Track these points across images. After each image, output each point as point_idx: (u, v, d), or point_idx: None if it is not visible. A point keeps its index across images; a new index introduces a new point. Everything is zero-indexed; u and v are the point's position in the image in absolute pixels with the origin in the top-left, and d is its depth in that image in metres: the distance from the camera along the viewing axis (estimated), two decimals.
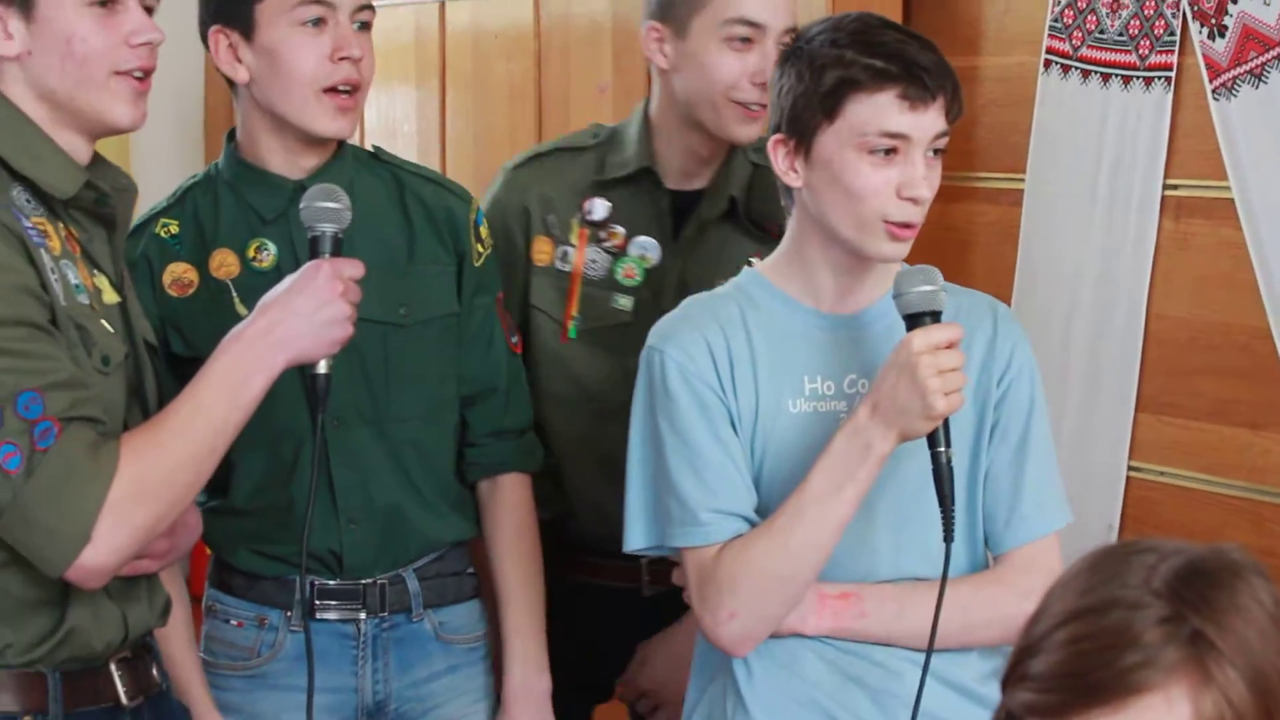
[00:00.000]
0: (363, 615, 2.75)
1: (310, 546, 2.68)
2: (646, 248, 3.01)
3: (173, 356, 2.63)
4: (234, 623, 2.77)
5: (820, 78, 2.35)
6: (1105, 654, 1.42)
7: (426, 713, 2.81)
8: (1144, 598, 1.44)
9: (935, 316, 2.29)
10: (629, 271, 3.02)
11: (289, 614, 2.73)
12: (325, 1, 2.64)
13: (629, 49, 4.49)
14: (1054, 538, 2.44)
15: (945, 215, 4.15)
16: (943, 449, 2.27)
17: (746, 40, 2.92)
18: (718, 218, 3.03)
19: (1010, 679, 1.49)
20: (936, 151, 2.40)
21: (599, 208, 3.01)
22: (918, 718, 2.28)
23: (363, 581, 2.75)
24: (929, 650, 2.27)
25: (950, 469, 2.28)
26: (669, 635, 3.02)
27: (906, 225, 2.36)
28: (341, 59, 2.65)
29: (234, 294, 2.63)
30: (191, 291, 2.71)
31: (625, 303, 3.02)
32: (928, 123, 2.34)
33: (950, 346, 2.26)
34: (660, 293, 3.00)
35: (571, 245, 2.96)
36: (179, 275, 2.72)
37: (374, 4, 2.73)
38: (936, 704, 2.35)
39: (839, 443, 2.29)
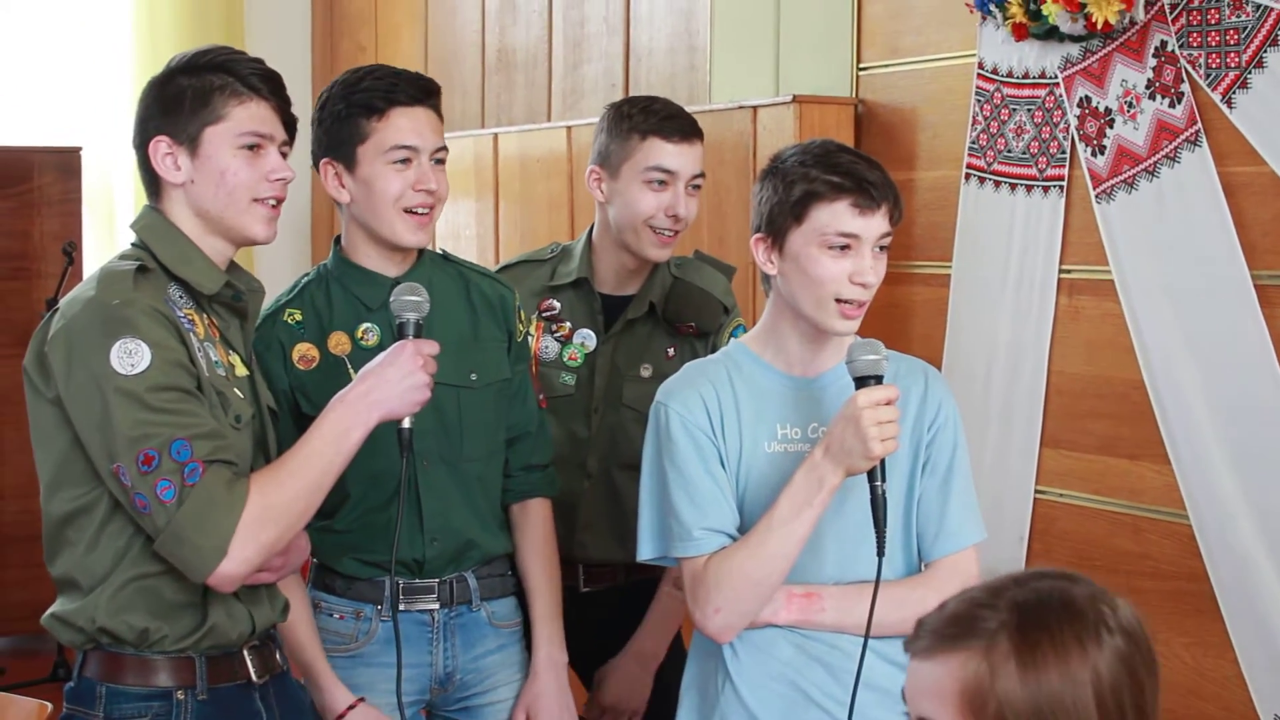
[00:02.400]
0: (436, 606, 2.77)
1: (400, 556, 2.72)
2: (585, 337, 3.08)
3: (300, 415, 2.65)
4: (336, 615, 2.78)
5: (791, 190, 2.37)
6: (952, 621, 1.47)
7: (481, 681, 2.82)
8: (998, 602, 1.46)
9: (878, 379, 2.30)
10: (572, 355, 3.09)
11: (380, 607, 2.75)
12: (411, 146, 2.68)
13: None
14: (972, 550, 2.44)
15: (889, 295, 4.17)
16: (879, 483, 2.29)
17: (663, 183, 2.98)
18: (641, 317, 3.08)
19: (914, 629, 1.53)
20: (882, 248, 2.41)
21: (551, 307, 3.08)
22: (860, 687, 2.30)
23: (436, 580, 2.77)
24: (866, 636, 2.30)
25: (884, 499, 2.29)
26: (620, 661, 3.07)
27: (858, 304, 2.38)
28: (421, 190, 2.69)
29: (349, 366, 2.66)
30: (315, 365, 2.73)
31: (569, 379, 3.08)
32: (875, 225, 2.37)
33: (888, 404, 2.28)
34: (595, 372, 3.08)
35: (531, 334, 3.00)
36: (304, 353, 2.74)
37: (447, 146, 2.78)
38: (880, 677, 2.36)
39: (799, 476, 2.31)
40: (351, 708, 2.68)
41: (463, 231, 5.46)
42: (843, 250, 2.35)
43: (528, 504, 2.89)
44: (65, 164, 5.76)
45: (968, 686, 1.41)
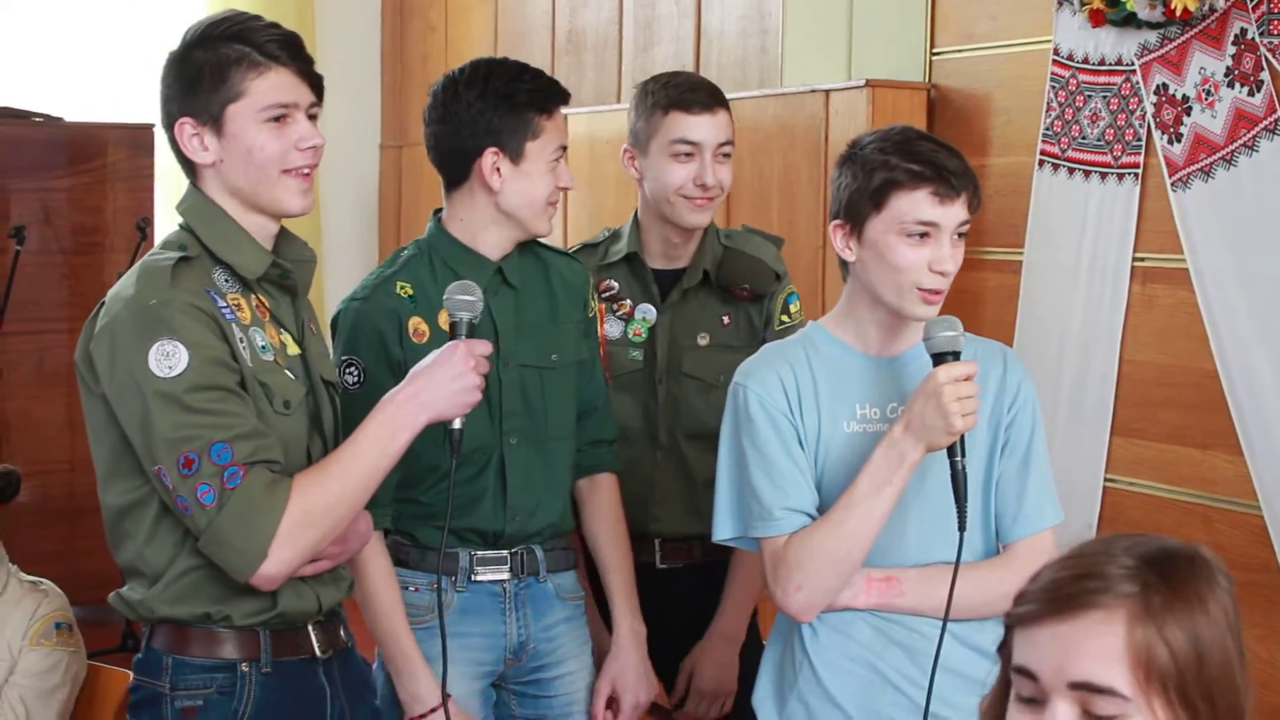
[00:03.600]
0: (508, 577, 2.80)
1: (478, 525, 2.76)
2: (646, 312, 3.11)
3: None
4: (411, 588, 2.78)
5: (870, 178, 2.37)
6: (1075, 579, 1.43)
7: (552, 652, 2.83)
8: (1119, 555, 1.44)
9: (956, 355, 2.30)
10: (636, 331, 3.12)
11: (454, 578, 2.76)
12: (563, 146, 2.78)
13: None
14: (1050, 532, 2.43)
15: (960, 281, 4.08)
16: (959, 458, 2.29)
17: (689, 154, 3.02)
18: (695, 285, 3.11)
19: (1015, 602, 1.49)
20: (960, 235, 2.40)
21: (610, 287, 3.12)
22: (938, 671, 2.29)
23: (507, 551, 2.80)
24: (945, 617, 2.29)
25: (965, 474, 2.29)
26: (708, 645, 3.07)
27: (936, 291, 2.38)
28: (560, 188, 2.77)
29: None
30: (426, 340, 2.73)
31: (637, 355, 3.10)
32: (954, 214, 2.36)
33: (967, 379, 2.28)
34: (657, 345, 3.10)
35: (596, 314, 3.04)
36: (417, 326, 2.74)
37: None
38: (959, 661, 2.36)
39: (879, 453, 2.31)
40: (434, 710, 2.68)
41: None
42: (922, 238, 2.35)
43: (596, 479, 2.92)
44: (137, 140, 5.80)
45: (1138, 643, 1.39)
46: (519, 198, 2.74)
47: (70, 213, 5.71)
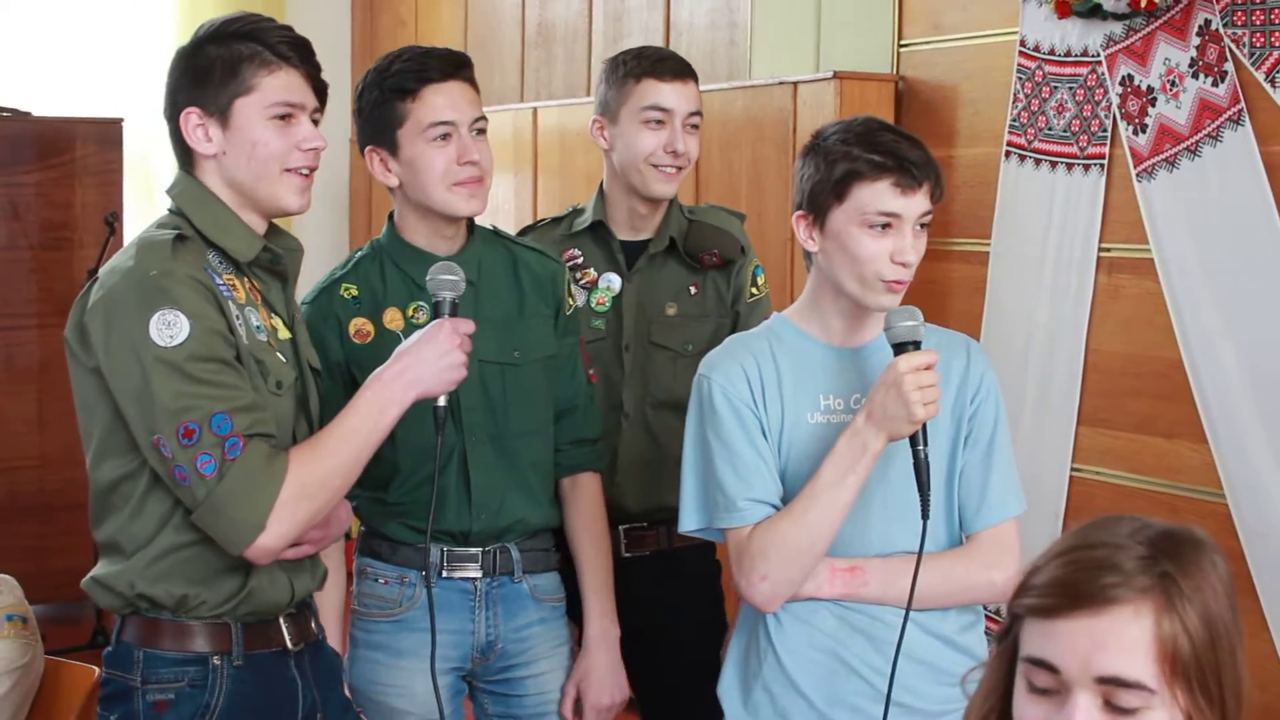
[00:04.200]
0: (479, 575, 2.80)
1: (446, 525, 2.76)
2: (610, 281, 3.14)
3: (356, 386, 2.66)
4: (381, 581, 2.80)
5: (832, 168, 2.38)
6: (1093, 572, 1.44)
7: (523, 653, 2.83)
8: (1128, 543, 1.46)
9: (916, 345, 2.32)
10: (600, 300, 3.14)
11: (424, 573, 2.77)
12: (448, 121, 2.71)
13: None
14: (1013, 522, 2.45)
15: (927, 272, 4.16)
16: (921, 447, 2.30)
17: (660, 122, 3.06)
18: (662, 254, 3.14)
19: (1018, 592, 1.51)
20: (923, 225, 2.42)
21: (574, 257, 3.13)
22: (900, 659, 2.31)
23: (479, 549, 2.80)
24: (908, 607, 2.31)
25: (927, 462, 2.31)
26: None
27: (898, 282, 2.40)
28: (466, 162, 2.72)
29: (403, 341, 2.69)
30: (370, 339, 2.76)
31: (599, 324, 3.13)
32: (915, 204, 2.38)
33: (928, 368, 2.30)
34: (622, 314, 3.13)
35: (577, 306, 3.05)
36: (360, 327, 2.77)
37: (486, 116, 2.80)
38: (922, 649, 2.38)
39: (842, 443, 2.33)
40: None
41: (502, 206, 5.48)
42: (884, 229, 2.36)
43: (578, 478, 2.92)
44: (106, 135, 5.81)
45: (1165, 637, 1.41)
46: (415, 187, 2.75)
47: (38, 208, 5.70)
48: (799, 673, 2.41)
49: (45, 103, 6.06)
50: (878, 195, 2.36)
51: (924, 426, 2.30)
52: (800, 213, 2.44)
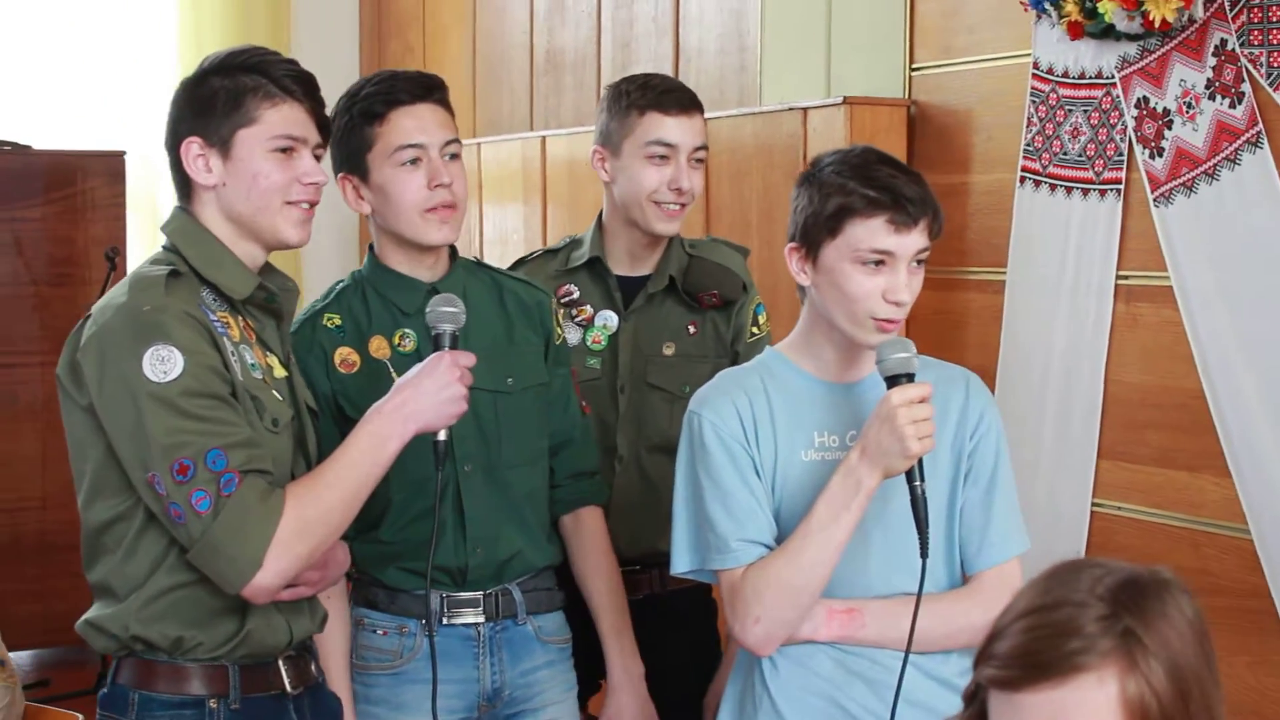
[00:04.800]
0: (481, 620, 2.77)
1: (442, 562, 2.73)
2: (607, 319, 3.10)
3: (344, 418, 2.66)
4: (380, 632, 2.77)
5: (826, 202, 2.35)
6: (1053, 640, 1.42)
7: (531, 698, 2.80)
8: (1089, 599, 1.43)
9: (910, 378, 2.29)
10: (596, 339, 3.10)
11: (424, 622, 2.74)
12: (417, 144, 2.69)
13: None
14: (1016, 561, 2.41)
15: (944, 302, 4.16)
16: (918, 483, 2.27)
17: (664, 157, 3.01)
18: (660, 293, 3.09)
19: (980, 658, 1.49)
20: (920, 261, 2.39)
21: (569, 292, 3.09)
22: (900, 704, 2.27)
23: (480, 593, 2.77)
24: (907, 650, 2.27)
25: (925, 499, 2.27)
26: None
27: (890, 321, 2.36)
28: (437, 186, 2.70)
29: (390, 370, 2.67)
30: (356, 369, 2.74)
31: (594, 363, 3.09)
32: (910, 242, 2.34)
33: (923, 401, 2.27)
34: (618, 353, 3.08)
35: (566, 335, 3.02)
36: (345, 356, 2.75)
37: (460, 140, 2.78)
38: (924, 694, 2.35)
39: (836, 481, 2.30)
40: None
41: (510, 236, 5.48)
42: (877, 266, 2.33)
43: (580, 513, 2.89)
44: (110, 168, 5.81)
45: (1131, 700, 1.40)
46: (386, 213, 2.74)
47: (41, 243, 5.71)
48: (795, 718, 2.38)
49: (47, 136, 6.09)
50: (871, 233, 2.33)
51: (920, 462, 2.27)
52: (793, 245, 2.41)
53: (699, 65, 5.09)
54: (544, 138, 5.40)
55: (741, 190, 4.45)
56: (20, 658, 5.71)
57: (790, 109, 4.31)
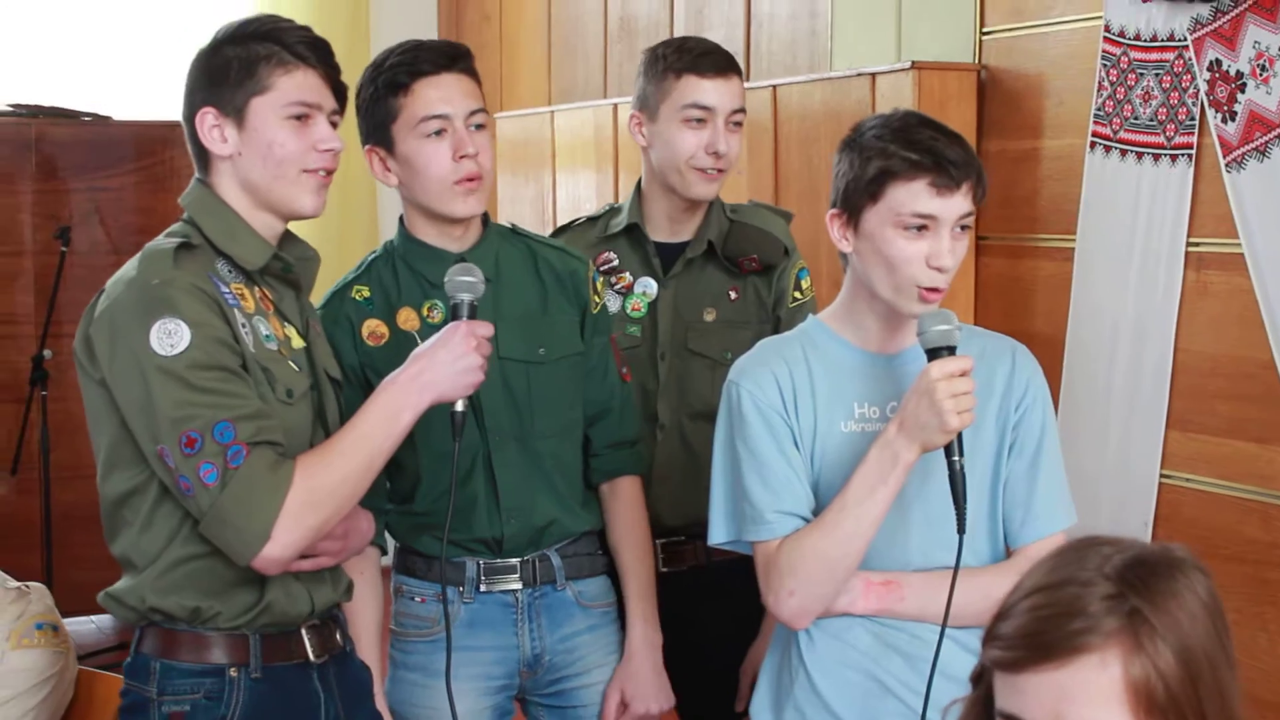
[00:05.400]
0: (519, 586, 2.77)
1: (477, 534, 2.73)
2: (646, 286, 3.07)
3: (371, 390, 2.66)
4: (418, 599, 2.78)
5: (867, 166, 2.32)
6: (1057, 620, 1.39)
7: (573, 663, 2.80)
8: (1095, 579, 1.41)
9: (951, 350, 2.24)
10: (635, 306, 3.08)
11: (461, 589, 2.75)
12: (442, 115, 2.67)
13: (759, 142, 4.50)
14: (1061, 535, 2.36)
15: (1012, 269, 4.11)
16: (957, 458, 2.23)
17: (701, 120, 2.97)
18: (700, 258, 3.06)
19: (987, 638, 1.46)
20: (964, 227, 2.33)
21: (609, 260, 3.07)
22: (938, 677, 2.24)
23: (517, 559, 2.77)
24: (944, 624, 2.24)
25: (963, 474, 2.23)
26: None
27: (934, 289, 2.32)
28: (462, 157, 2.68)
29: (419, 341, 2.66)
30: (385, 341, 2.74)
31: (634, 330, 3.06)
32: (954, 206, 2.29)
33: (964, 375, 2.22)
34: (658, 320, 3.05)
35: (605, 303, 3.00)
36: (374, 329, 2.76)
37: (485, 109, 2.75)
38: (961, 668, 2.24)
39: (873, 454, 2.26)
40: None
41: (583, 204, 5.46)
42: (920, 231, 2.29)
43: (616, 483, 2.87)
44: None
45: (1136, 681, 1.37)
46: (412, 185, 2.73)
47: (122, 213, 5.79)
48: (832, 693, 2.36)
49: (128, 107, 6.16)
50: (913, 195, 2.28)
51: (959, 436, 2.23)
52: (834, 211, 2.38)
53: (770, 31, 5.04)
54: (616, 105, 5.38)
55: (810, 157, 4.40)
56: (99, 621, 5.82)
57: (859, 75, 4.25)
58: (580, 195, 5.48)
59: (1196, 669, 1.39)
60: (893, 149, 2.30)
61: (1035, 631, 1.40)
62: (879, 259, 2.31)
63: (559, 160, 5.67)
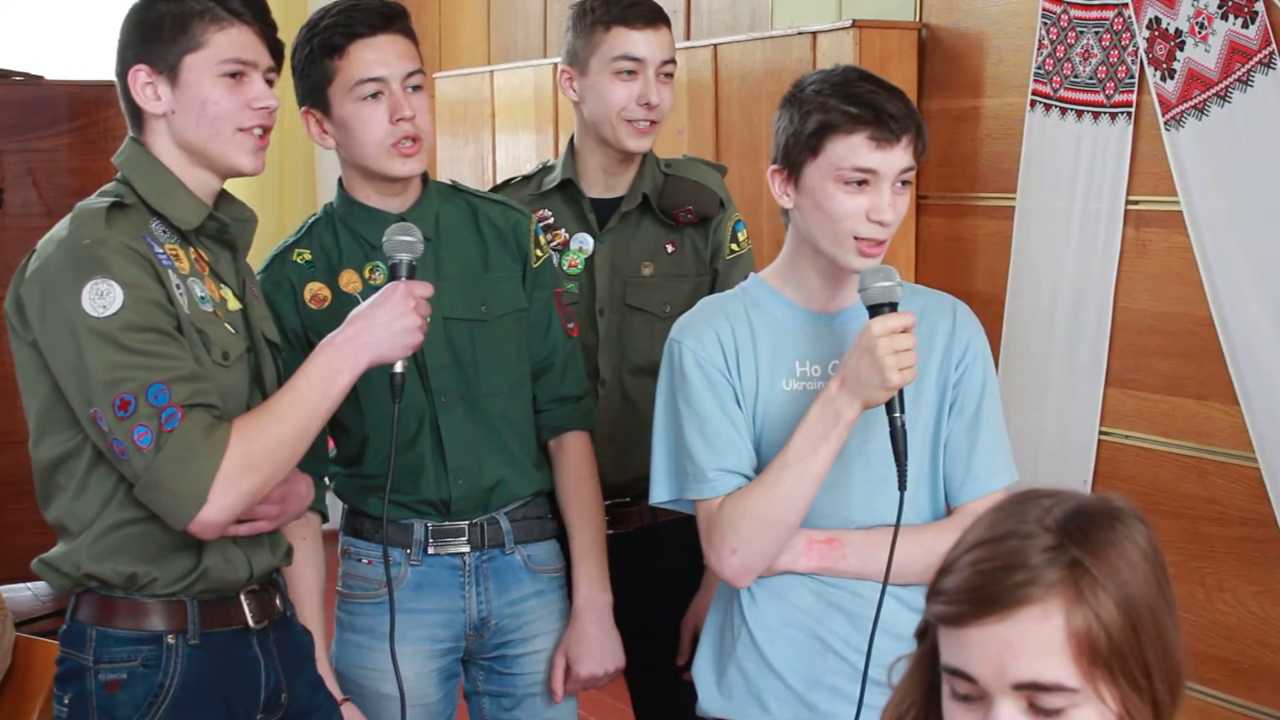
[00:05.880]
0: (467, 549, 2.76)
1: (425, 495, 2.71)
2: (582, 242, 3.06)
3: None
4: (365, 560, 2.76)
5: (806, 120, 2.31)
6: (998, 573, 1.39)
7: (519, 628, 2.79)
8: (1036, 531, 1.41)
9: (893, 307, 2.24)
10: (572, 262, 3.06)
11: (409, 550, 2.73)
12: (378, 78, 2.64)
13: (700, 101, 4.48)
14: (1002, 493, 2.36)
15: (952, 228, 4.11)
16: (898, 414, 2.23)
17: (631, 72, 2.96)
18: (635, 211, 3.05)
19: (930, 594, 1.46)
20: (904, 182, 2.33)
21: (544, 217, 3.05)
22: (880, 634, 2.25)
23: (466, 522, 2.76)
24: (885, 581, 2.25)
25: (904, 430, 2.24)
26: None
27: (875, 242, 2.32)
28: (399, 120, 2.65)
29: (361, 303, 2.64)
30: (327, 304, 2.72)
31: (572, 286, 3.04)
32: (894, 160, 2.29)
33: (905, 331, 2.22)
34: (595, 275, 3.04)
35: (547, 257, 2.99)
36: (316, 292, 2.73)
37: (423, 70, 2.72)
38: (904, 625, 2.29)
39: (815, 411, 2.26)
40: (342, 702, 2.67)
41: (523, 165, 5.42)
42: (860, 185, 2.29)
43: (563, 438, 2.85)
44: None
45: (1078, 631, 1.37)
46: (350, 148, 2.70)
47: (56, 174, 5.70)
48: (774, 652, 2.36)
49: (61, 67, 6.07)
50: (853, 149, 2.28)
51: (901, 393, 2.23)
52: (775, 167, 2.38)
53: None
54: (556, 65, 5.33)
55: (751, 116, 4.39)
56: (35, 588, 5.76)
57: (800, 33, 4.24)
58: (520, 155, 5.45)
59: (1138, 617, 1.39)
60: (832, 103, 2.30)
61: (977, 586, 1.40)
62: (820, 214, 2.31)
63: (499, 120, 5.63)
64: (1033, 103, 3.89)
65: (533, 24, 5.99)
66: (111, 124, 5.77)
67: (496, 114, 5.62)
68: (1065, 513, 1.43)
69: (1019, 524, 1.43)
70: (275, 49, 2.40)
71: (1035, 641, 1.37)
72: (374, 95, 2.64)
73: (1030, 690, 1.37)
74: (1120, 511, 1.45)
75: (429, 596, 2.73)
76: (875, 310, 2.25)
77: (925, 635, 1.51)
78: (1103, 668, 1.37)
